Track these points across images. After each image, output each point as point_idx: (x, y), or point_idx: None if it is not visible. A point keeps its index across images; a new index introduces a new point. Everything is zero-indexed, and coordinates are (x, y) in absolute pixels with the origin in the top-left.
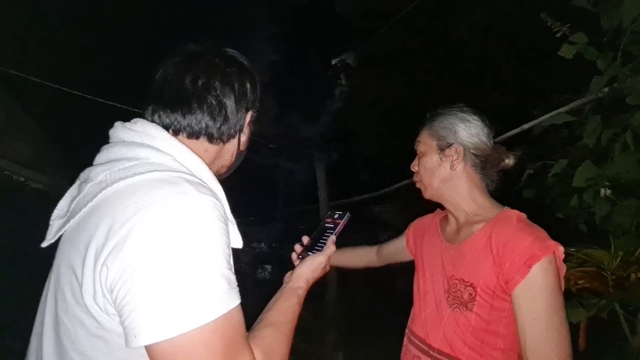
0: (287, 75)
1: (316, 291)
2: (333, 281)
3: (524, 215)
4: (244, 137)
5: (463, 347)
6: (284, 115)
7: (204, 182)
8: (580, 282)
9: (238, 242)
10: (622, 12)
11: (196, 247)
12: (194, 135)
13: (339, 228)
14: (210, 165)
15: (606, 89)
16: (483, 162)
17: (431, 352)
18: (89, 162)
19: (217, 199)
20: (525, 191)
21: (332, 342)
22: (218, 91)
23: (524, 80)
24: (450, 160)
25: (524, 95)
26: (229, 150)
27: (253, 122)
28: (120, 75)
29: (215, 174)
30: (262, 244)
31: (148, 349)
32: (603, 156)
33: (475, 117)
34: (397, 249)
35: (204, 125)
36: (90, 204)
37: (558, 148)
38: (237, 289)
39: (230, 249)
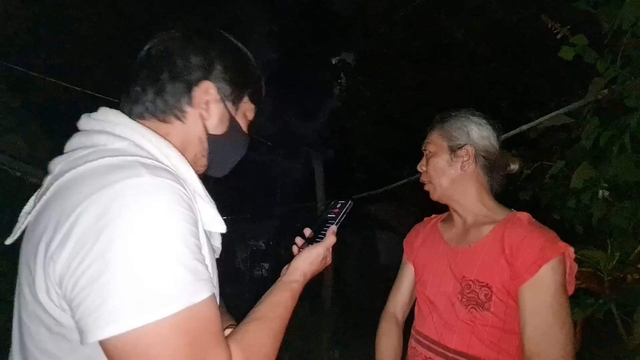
0: (286, 73)
1: (312, 288)
2: (329, 278)
3: (533, 218)
4: (212, 120)
5: (481, 346)
6: (283, 113)
7: (169, 166)
8: (576, 282)
9: (219, 226)
10: (622, 14)
11: (146, 234)
12: (141, 115)
13: (340, 217)
14: (183, 153)
15: (605, 91)
16: (491, 165)
17: (447, 354)
18: None
19: (180, 183)
20: (521, 192)
21: (328, 339)
22: (153, 62)
23: (522, 82)
24: (461, 161)
25: (523, 97)
26: (195, 134)
27: (226, 100)
28: (119, 71)
29: (198, 168)
30: (259, 242)
31: (101, 344)
32: (601, 158)
33: (486, 121)
34: (413, 287)
35: (141, 100)
36: (44, 197)
37: (556, 150)
38: (207, 281)
39: (199, 238)
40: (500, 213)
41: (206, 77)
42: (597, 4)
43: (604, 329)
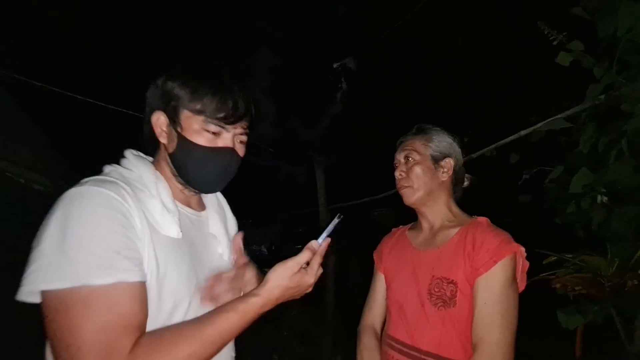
0: (288, 78)
1: (314, 295)
2: (330, 284)
3: (490, 222)
4: (165, 141)
5: (450, 345)
6: (284, 119)
7: (134, 180)
8: (577, 288)
9: (173, 233)
10: (617, 21)
11: (63, 224)
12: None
13: (325, 232)
14: (166, 176)
15: (602, 97)
16: (457, 178)
17: (420, 355)
18: (90, 164)
19: (120, 194)
20: (521, 196)
21: (329, 346)
22: None
23: (522, 87)
24: (442, 171)
25: (522, 102)
26: (164, 158)
27: (171, 121)
28: (122, 80)
29: (184, 187)
30: (262, 247)
31: None
32: (599, 163)
33: (457, 138)
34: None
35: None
36: None
37: (555, 154)
38: (126, 273)
39: (128, 236)
40: (465, 219)
41: (159, 106)
42: (594, 11)
43: (605, 336)
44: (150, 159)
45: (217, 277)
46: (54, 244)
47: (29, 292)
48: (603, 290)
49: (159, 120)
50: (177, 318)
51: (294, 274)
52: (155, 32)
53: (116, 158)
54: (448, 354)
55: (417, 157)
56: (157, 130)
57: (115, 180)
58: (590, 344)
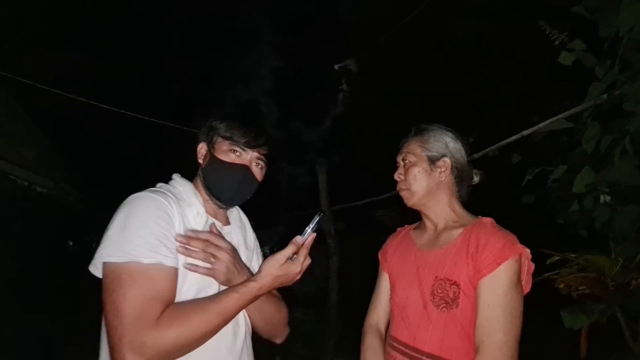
0: (290, 80)
1: (317, 296)
2: (333, 286)
3: (495, 222)
4: (201, 159)
5: (452, 346)
6: (286, 120)
7: (177, 193)
8: (580, 287)
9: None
10: (619, 20)
11: (126, 216)
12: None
13: (306, 228)
14: (200, 190)
15: (604, 96)
16: (461, 176)
17: (421, 357)
18: (92, 167)
19: (167, 200)
20: (524, 197)
21: (332, 347)
22: None
23: (523, 87)
24: (439, 171)
25: (524, 102)
26: (199, 175)
27: (209, 146)
28: (124, 82)
29: (209, 198)
30: (265, 248)
31: None
32: (602, 162)
33: (457, 135)
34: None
35: None
36: None
37: (557, 154)
38: (164, 258)
39: (168, 230)
40: (469, 219)
41: (203, 138)
42: (595, 11)
43: (609, 335)
44: (190, 182)
45: (195, 233)
46: (118, 230)
47: (95, 264)
48: (607, 290)
49: (202, 148)
50: None
51: (281, 265)
52: (156, 35)
53: (118, 160)
54: (450, 356)
55: (413, 159)
56: (199, 155)
57: (164, 191)
58: (595, 343)
